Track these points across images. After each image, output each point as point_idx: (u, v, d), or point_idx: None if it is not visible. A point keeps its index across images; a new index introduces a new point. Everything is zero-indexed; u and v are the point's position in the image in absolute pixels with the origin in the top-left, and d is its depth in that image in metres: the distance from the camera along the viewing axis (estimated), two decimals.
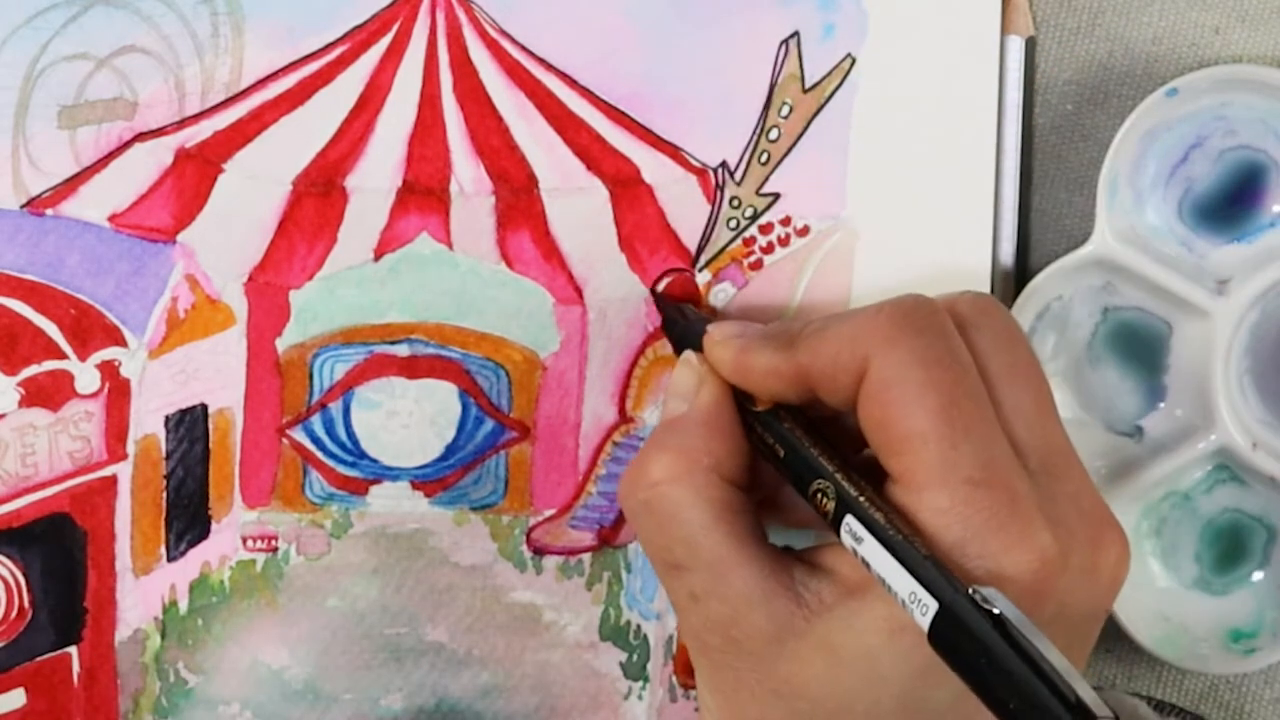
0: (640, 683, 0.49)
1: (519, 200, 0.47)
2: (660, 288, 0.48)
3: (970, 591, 0.34)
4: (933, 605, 0.35)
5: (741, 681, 0.39)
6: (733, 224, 0.48)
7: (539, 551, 0.49)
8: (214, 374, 0.47)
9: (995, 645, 0.33)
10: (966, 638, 0.34)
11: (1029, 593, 0.36)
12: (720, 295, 0.48)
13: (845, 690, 0.38)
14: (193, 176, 0.46)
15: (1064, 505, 0.38)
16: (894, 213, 0.48)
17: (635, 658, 0.49)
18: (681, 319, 0.47)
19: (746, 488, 0.41)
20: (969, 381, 0.38)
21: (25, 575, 0.46)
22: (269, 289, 0.47)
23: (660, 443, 0.41)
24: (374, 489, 0.48)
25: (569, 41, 0.47)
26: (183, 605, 0.48)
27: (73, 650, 0.47)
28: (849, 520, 0.38)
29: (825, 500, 0.39)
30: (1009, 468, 0.38)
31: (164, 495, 0.47)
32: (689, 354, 0.44)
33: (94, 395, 0.46)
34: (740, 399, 0.42)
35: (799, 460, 0.40)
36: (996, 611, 0.34)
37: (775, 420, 0.42)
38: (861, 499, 0.38)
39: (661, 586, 0.49)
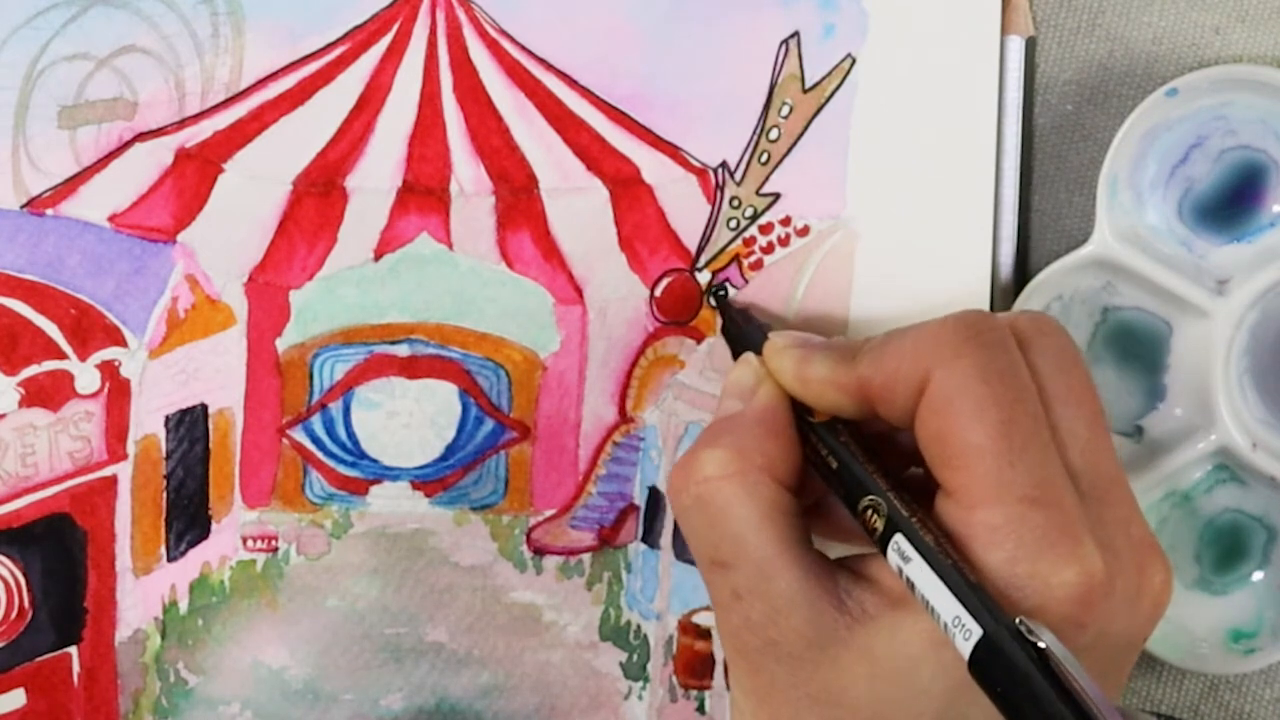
0: (640, 683, 0.49)
1: (519, 200, 0.47)
2: (717, 298, 0.48)
3: (1016, 622, 0.34)
4: (976, 632, 0.35)
5: (777, 684, 0.39)
6: (733, 224, 0.48)
7: (539, 551, 0.49)
8: (214, 374, 0.47)
9: (1035, 680, 0.33)
10: (1007, 669, 0.34)
11: (1074, 615, 0.36)
12: (720, 296, 0.48)
13: (884, 700, 0.38)
14: (193, 176, 0.46)
15: (1113, 530, 0.38)
16: (894, 213, 0.48)
17: (635, 658, 0.49)
18: (740, 324, 0.47)
19: (796, 492, 0.41)
20: (1029, 399, 0.38)
21: (25, 575, 0.46)
22: (269, 289, 0.47)
23: (714, 439, 0.41)
24: (374, 489, 0.48)
25: (569, 41, 0.47)
26: (183, 605, 0.48)
27: (73, 650, 0.47)
28: (898, 539, 0.37)
29: (874, 517, 0.39)
30: (1062, 488, 0.37)
31: (164, 495, 0.47)
32: (749, 355, 0.44)
33: (94, 395, 0.46)
34: (797, 409, 0.42)
35: (851, 475, 0.40)
36: (1042, 645, 0.34)
37: (831, 433, 0.41)
38: (913, 520, 0.38)
39: (660, 584, 0.49)
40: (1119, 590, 0.37)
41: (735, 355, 0.46)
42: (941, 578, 0.36)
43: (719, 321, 0.48)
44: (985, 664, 0.34)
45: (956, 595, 0.35)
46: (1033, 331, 0.40)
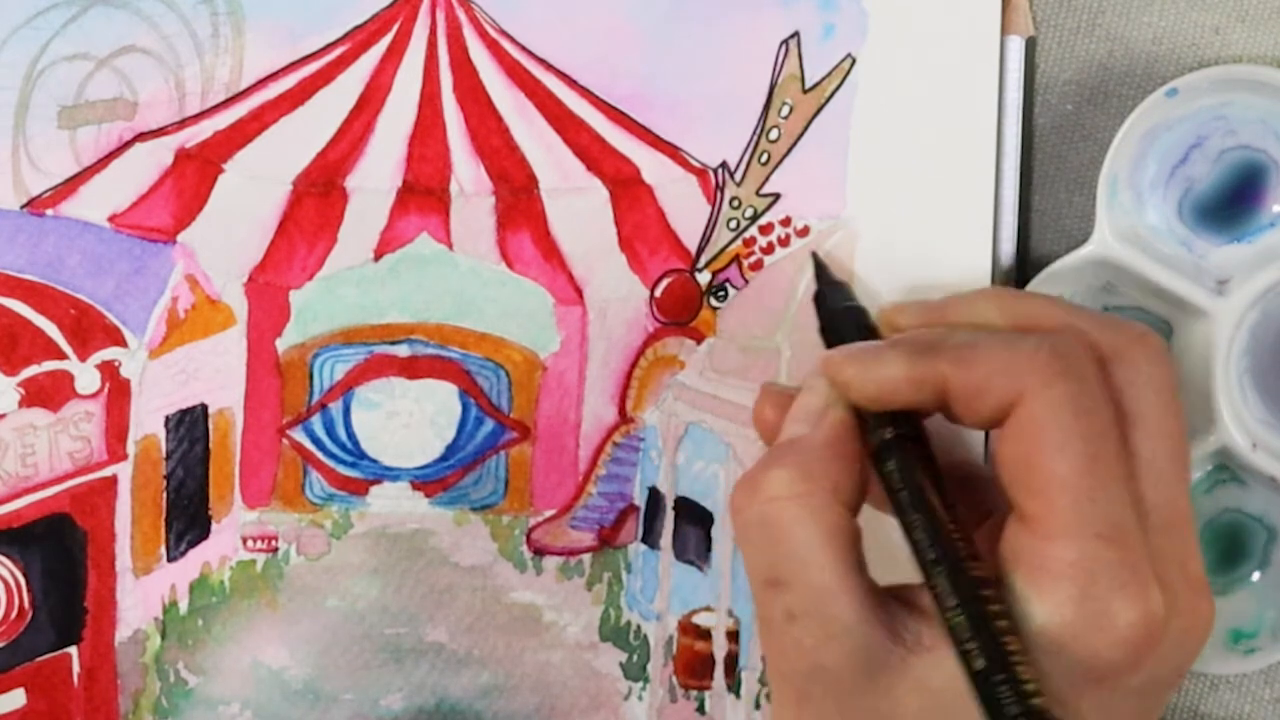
0: (640, 683, 0.49)
1: (519, 200, 0.47)
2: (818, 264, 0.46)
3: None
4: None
5: (823, 711, 0.39)
6: (733, 224, 0.48)
7: (539, 552, 0.49)
8: (214, 374, 0.47)
9: None
10: None
11: (1132, 655, 0.36)
12: (720, 296, 0.48)
13: None
14: (193, 176, 0.46)
15: (1172, 568, 0.38)
16: (894, 213, 0.48)
17: (635, 658, 0.49)
18: (840, 301, 0.44)
19: (858, 515, 0.41)
20: (1114, 435, 0.38)
21: (25, 575, 0.46)
22: (269, 289, 0.47)
23: (780, 459, 0.40)
24: (374, 489, 0.48)
25: (569, 41, 0.47)
26: (183, 605, 0.48)
27: (73, 650, 0.47)
28: (942, 586, 0.37)
29: (931, 570, 0.39)
30: (1134, 527, 0.38)
31: (164, 495, 0.47)
32: (814, 378, 0.42)
33: (94, 395, 0.46)
34: (862, 430, 0.41)
35: (911, 503, 0.39)
36: None
37: (895, 454, 0.40)
38: (962, 563, 0.37)
39: (660, 585, 0.49)
40: (1172, 630, 0.38)
41: (823, 328, 0.44)
42: (979, 642, 0.36)
43: (810, 290, 0.45)
44: None
45: (976, 684, 0.36)
46: (1136, 349, 0.40)
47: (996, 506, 0.40)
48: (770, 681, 0.41)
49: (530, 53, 0.47)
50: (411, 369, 0.48)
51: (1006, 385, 0.38)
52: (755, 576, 0.41)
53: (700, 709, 0.49)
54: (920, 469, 0.40)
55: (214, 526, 0.48)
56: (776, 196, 0.48)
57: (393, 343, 0.48)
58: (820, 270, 0.45)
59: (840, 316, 0.43)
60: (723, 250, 0.48)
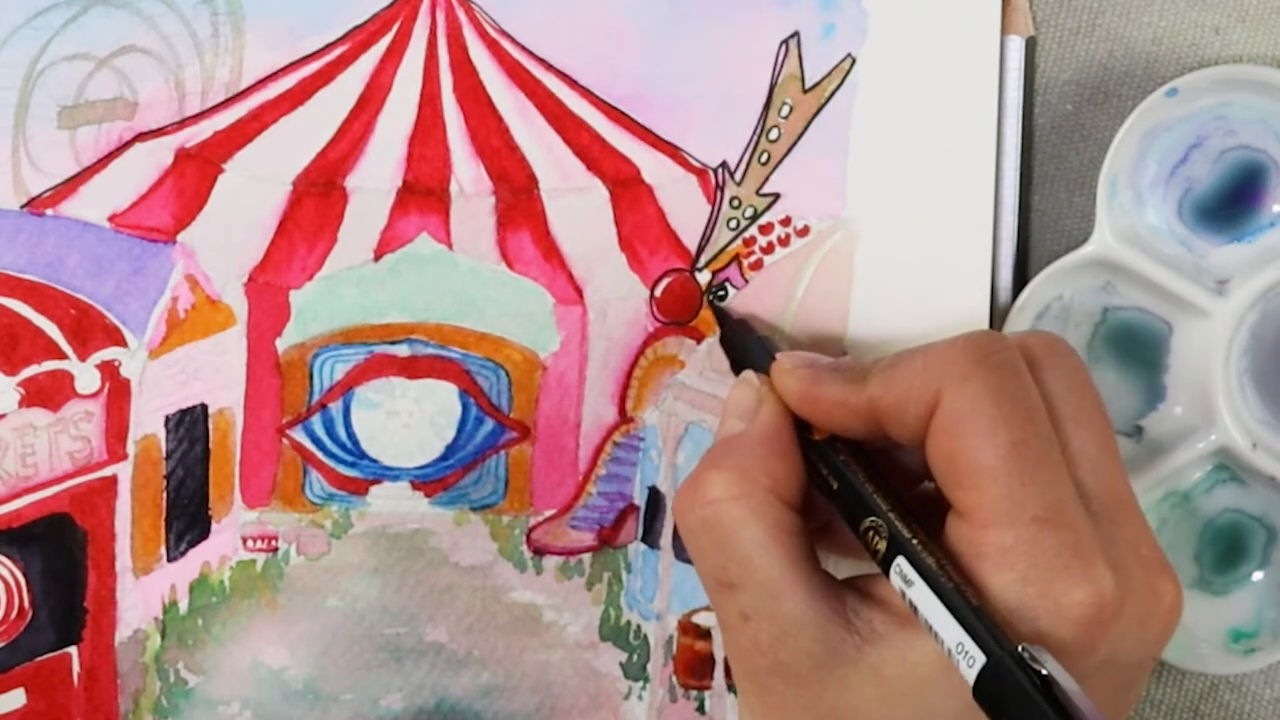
0: (640, 683, 0.49)
1: (519, 200, 0.47)
2: (717, 299, 0.48)
3: (1019, 649, 0.34)
4: (979, 659, 0.35)
5: (786, 706, 0.39)
6: (733, 224, 0.48)
7: (539, 551, 0.49)
8: (214, 374, 0.47)
9: (1040, 708, 0.33)
10: (1012, 696, 0.34)
11: (1084, 636, 0.36)
12: (720, 296, 0.48)
13: None
14: (193, 176, 0.46)
15: (1123, 550, 0.38)
16: (894, 213, 0.48)
17: (635, 658, 0.49)
18: (739, 335, 0.47)
19: (802, 511, 0.41)
20: (1039, 420, 0.38)
21: (25, 575, 0.46)
22: (269, 289, 0.47)
23: (718, 461, 0.41)
24: (374, 489, 0.48)
25: (569, 41, 0.47)
26: (183, 605, 0.48)
27: (73, 650, 0.47)
28: (900, 562, 0.37)
29: (876, 539, 0.39)
30: (1074, 509, 0.37)
31: (164, 495, 0.47)
32: (748, 373, 0.44)
33: (94, 395, 0.46)
34: (799, 427, 0.42)
35: (852, 495, 0.40)
36: (1044, 672, 0.34)
37: (831, 451, 0.41)
38: (914, 541, 0.38)
39: (660, 584, 0.49)
40: (1129, 611, 0.37)
41: (734, 367, 0.46)
42: (944, 602, 0.36)
43: (717, 329, 0.48)
44: (990, 691, 0.34)
45: (959, 620, 0.35)
46: (1043, 352, 0.40)
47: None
48: (734, 679, 0.41)
49: (530, 53, 0.47)
50: (411, 369, 0.48)
51: (925, 388, 0.39)
52: (707, 580, 0.41)
53: (700, 709, 0.49)
54: (854, 460, 0.41)
55: (214, 526, 0.48)
56: (776, 196, 0.48)
57: (393, 343, 0.48)
58: (722, 316, 0.47)
59: (751, 349, 0.45)
60: (723, 250, 0.48)
